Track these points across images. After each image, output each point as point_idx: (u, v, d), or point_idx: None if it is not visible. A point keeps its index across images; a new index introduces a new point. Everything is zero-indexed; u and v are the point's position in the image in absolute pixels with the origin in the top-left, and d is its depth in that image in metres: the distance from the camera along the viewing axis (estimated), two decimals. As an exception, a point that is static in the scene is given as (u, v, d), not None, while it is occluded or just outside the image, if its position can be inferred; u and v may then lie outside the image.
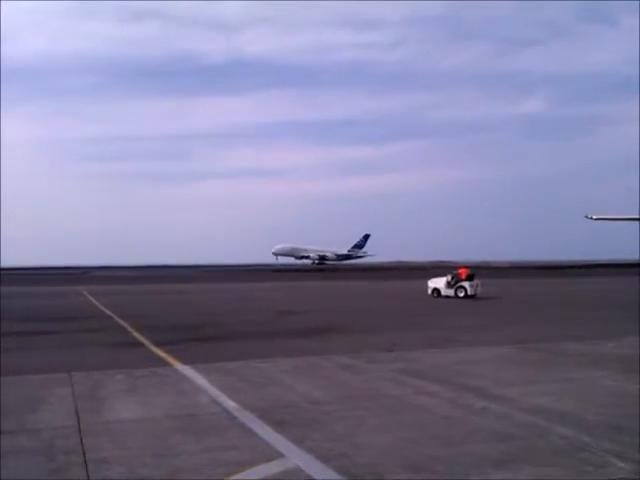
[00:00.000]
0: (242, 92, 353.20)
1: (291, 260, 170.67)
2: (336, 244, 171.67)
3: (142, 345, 17.49)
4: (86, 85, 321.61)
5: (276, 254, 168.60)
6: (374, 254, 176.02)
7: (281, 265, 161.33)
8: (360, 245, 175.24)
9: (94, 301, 36.78)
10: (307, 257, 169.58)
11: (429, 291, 37.72)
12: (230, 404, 9.90)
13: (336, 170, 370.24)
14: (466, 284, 36.10)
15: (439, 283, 37.44)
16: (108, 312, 28.65)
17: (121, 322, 23.85)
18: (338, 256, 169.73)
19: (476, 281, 36.74)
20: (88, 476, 6.63)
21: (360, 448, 7.52)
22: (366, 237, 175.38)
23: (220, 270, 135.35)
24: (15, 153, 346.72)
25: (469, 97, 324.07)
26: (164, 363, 14.21)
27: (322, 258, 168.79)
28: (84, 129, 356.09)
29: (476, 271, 40.58)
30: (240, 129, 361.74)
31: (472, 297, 35.48)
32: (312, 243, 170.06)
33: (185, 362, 13.99)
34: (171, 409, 9.74)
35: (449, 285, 36.63)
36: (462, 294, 35.88)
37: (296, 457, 7.17)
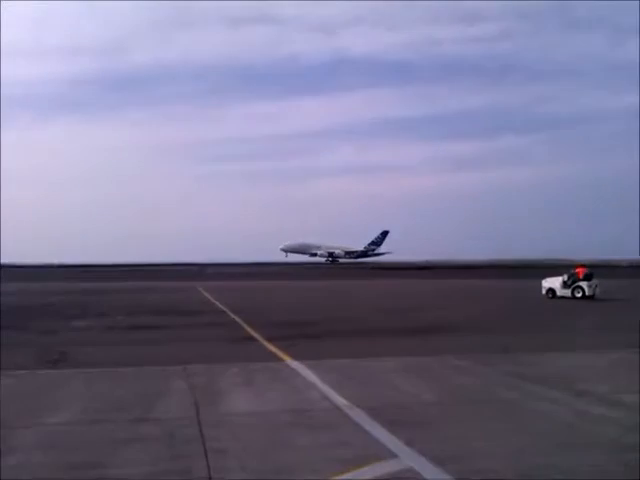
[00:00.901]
0: (344, 91, 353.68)
1: (303, 258, 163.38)
2: (443, 242, 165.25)
3: (255, 340, 18.03)
4: (193, 91, 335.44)
5: (285, 251, 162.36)
6: (391, 251, 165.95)
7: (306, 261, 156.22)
8: (378, 242, 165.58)
9: (208, 296, 38.37)
10: (315, 254, 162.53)
11: (543, 291, 36.07)
12: (341, 401, 9.97)
13: (439, 166, 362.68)
14: (584, 284, 34.20)
15: (554, 283, 35.70)
16: (222, 307, 29.80)
17: (234, 317, 24.72)
18: (347, 253, 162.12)
19: (594, 281, 34.68)
20: (208, 465, 6.90)
21: (475, 453, 7.33)
22: (384, 234, 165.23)
23: (319, 267, 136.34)
24: (124, 157, 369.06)
25: (579, 88, 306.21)
26: (276, 358, 14.57)
27: (330, 255, 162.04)
28: (191, 133, 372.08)
29: (593, 270, 38.31)
30: (342, 127, 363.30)
31: (590, 298, 33.55)
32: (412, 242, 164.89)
33: (296, 358, 14.25)
34: (284, 403, 9.96)
35: (565, 285, 34.85)
36: (579, 295, 34.03)
37: (409, 458, 7.09)
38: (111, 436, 8.09)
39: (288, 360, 14.12)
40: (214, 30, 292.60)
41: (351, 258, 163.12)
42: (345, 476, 6.52)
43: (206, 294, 40.85)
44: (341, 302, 35.29)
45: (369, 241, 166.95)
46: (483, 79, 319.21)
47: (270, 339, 17.66)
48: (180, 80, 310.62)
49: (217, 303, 32.77)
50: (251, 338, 18.50)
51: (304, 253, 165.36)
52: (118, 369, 13.34)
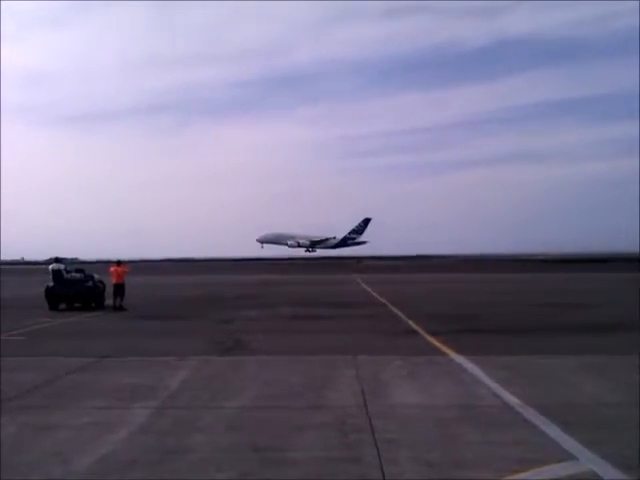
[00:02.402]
0: (504, 75, 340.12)
1: (280, 248, 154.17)
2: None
3: (417, 333, 18.00)
4: (350, 86, 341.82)
5: (261, 242, 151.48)
6: (369, 241, 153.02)
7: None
8: (359, 230, 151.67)
9: (368, 289, 38.98)
10: (286, 244, 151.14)
11: None
12: (511, 399, 9.65)
13: (611, 149, 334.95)
14: None
15: None
16: (382, 300, 30.10)
17: (395, 310, 24.88)
18: (315, 243, 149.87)
19: None
20: (379, 455, 7.03)
21: (666, 460, 6.75)
22: (366, 222, 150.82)
23: (473, 260, 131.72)
24: (293, 154, 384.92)
25: None
26: (439, 352, 14.43)
27: (299, 245, 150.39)
28: (349, 127, 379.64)
29: None
30: (500, 113, 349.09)
31: None
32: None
33: (460, 352, 14.01)
34: (451, 398, 9.85)
35: None
36: None
37: (590, 461, 6.72)
38: (287, 421, 8.54)
39: (452, 355, 13.93)
40: (372, 23, 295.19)
41: (327, 248, 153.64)
42: (523, 475, 6.33)
43: (365, 286, 41.52)
44: (495, 296, 34.02)
45: (350, 229, 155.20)
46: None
47: (431, 332, 17.54)
48: (339, 77, 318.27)
49: (376, 295, 33.18)
50: (413, 331, 18.50)
51: (279, 244, 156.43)
52: (289, 356, 13.99)
